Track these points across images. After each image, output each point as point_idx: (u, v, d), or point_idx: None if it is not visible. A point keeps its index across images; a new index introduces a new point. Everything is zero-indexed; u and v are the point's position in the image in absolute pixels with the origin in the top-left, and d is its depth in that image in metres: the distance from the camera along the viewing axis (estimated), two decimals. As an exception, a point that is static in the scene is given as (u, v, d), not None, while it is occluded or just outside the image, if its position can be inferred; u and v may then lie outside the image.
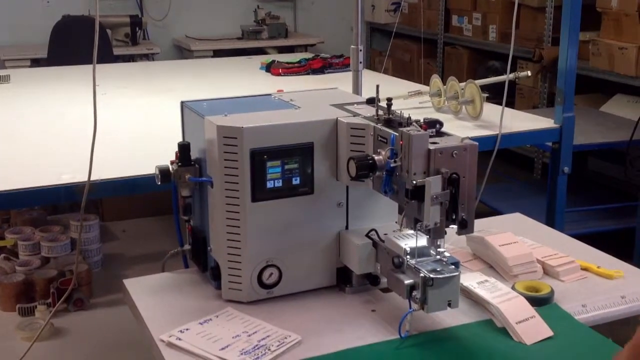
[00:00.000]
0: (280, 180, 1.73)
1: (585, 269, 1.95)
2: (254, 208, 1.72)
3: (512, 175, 5.09)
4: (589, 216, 4.14)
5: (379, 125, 1.68)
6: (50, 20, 5.60)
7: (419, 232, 1.59)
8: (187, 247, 1.97)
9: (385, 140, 1.63)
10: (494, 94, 3.37)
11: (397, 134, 1.58)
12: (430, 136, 1.57)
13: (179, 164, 1.84)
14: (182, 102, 1.97)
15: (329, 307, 1.77)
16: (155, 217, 4.10)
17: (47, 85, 4.15)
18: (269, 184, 1.72)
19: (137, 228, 4.06)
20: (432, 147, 1.53)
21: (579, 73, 3.19)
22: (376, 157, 1.63)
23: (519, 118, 3.41)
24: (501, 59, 5.37)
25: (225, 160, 1.70)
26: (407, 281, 1.61)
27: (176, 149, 1.86)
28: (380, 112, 1.74)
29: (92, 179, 2.14)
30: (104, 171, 2.36)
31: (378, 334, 1.65)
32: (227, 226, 1.74)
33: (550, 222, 3.08)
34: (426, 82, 3.76)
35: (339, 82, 2.97)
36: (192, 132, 1.90)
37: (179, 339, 1.61)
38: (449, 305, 1.60)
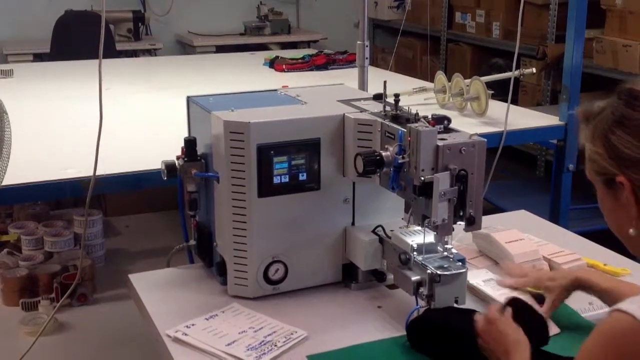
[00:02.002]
0: (287, 176, 1.72)
1: (591, 266, 1.94)
2: (260, 203, 1.71)
3: (514, 173, 5.08)
4: (594, 213, 4.12)
5: (386, 121, 1.67)
6: (53, 15, 5.59)
7: (426, 228, 1.59)
8: (192, 242, 1.96)
9: (392, 136, 1.63)
10: (497, 91, 3.36)
11: (405, 130, 1.57)
12: (438, 132, 1.56)
13: (185, 159, 1.84)
14: (188, 97, 1.96)
15: (334, 303, 1.77)
16: (157, 212, 4.11)
17: (50, 80, 4.15)
18: (276, 180, 1.71)
19: (139, 223, 4.07)
20: (440, 143, 1.52)
21: (583, 70, 3.18)
22: (383, 153, 1.62)
23: (524, 115, 3.40)
24: (504, 56, 5.34)
25: (231, 155, 1.70)
26: (414, 278, 1.60)
27: (182, 144, 1.85)
28: (388, 108, 1.74)
29: (97, 174, 2.14)
30: (109, 166, 2.35)
31: (384, 330, 1.64)
32: (233, 222, 1.73)
33: (555, 219, 3.07)
34: (429, 79, 3.75)
35: (343, 79, 2.96)
36: (198, 127, 1.90)
37: (185, 334, 1.61)
38: (456, 302, 1.60)
